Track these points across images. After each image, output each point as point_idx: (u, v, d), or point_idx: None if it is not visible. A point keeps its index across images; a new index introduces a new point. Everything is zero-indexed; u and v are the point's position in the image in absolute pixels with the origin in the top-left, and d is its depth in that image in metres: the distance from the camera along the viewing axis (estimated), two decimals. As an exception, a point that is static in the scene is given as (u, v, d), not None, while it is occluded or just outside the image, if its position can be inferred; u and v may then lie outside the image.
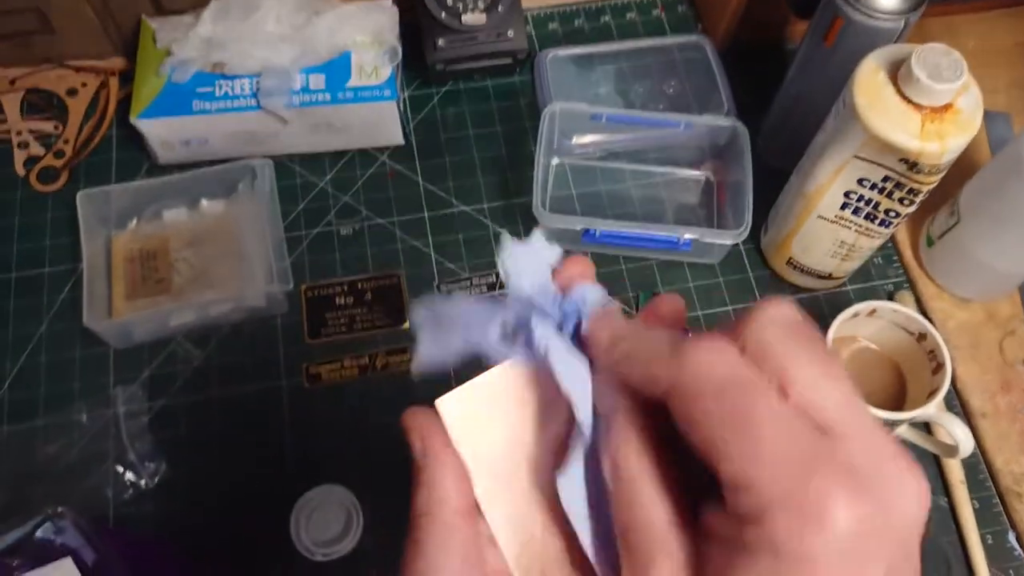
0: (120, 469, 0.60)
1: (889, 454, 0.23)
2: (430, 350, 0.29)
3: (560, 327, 0.29)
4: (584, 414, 0.27)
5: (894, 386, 0.61)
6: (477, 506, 0.28)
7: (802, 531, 0.21)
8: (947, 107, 0.51)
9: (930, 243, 0.68)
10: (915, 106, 0.51)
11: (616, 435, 0.26)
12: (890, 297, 0.69)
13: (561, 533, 0.29)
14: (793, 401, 0.23)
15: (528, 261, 0.30)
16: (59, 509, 0.43)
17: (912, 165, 0.52)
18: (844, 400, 0.23)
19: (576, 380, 0.28)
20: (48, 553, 0.42)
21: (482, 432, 0.29)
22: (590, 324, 0.28)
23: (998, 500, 0.62)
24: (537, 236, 0.30)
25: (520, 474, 0.29)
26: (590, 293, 0.29)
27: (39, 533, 0.43)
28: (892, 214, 0.58)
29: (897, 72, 0.51)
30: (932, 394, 0.56)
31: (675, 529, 0.24)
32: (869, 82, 0.52)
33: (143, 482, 0.60)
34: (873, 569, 0.21)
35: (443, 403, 0.29)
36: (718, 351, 0.23)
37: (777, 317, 0.25)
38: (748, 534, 0.21)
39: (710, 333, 0.25)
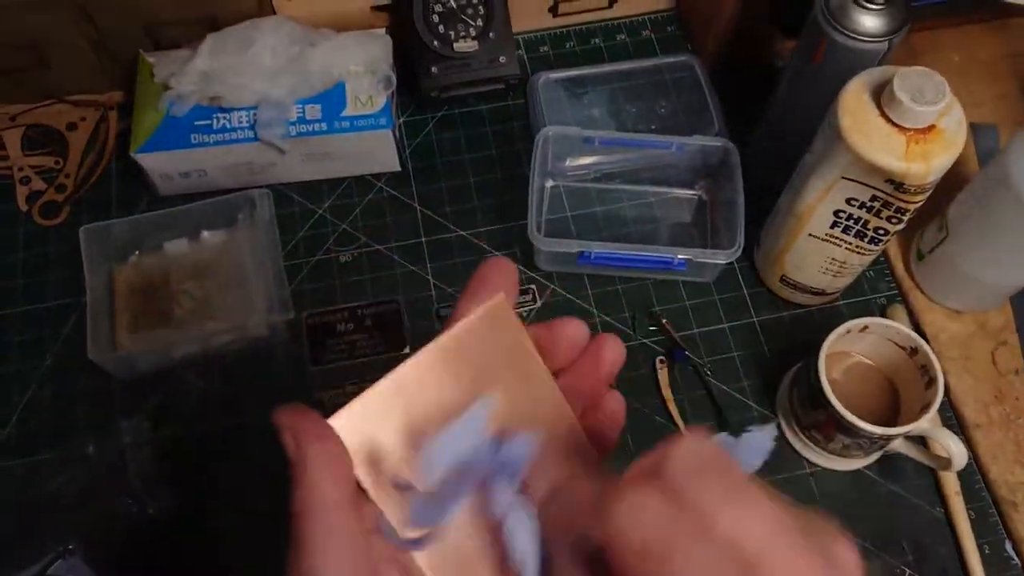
0: (127, 501, 0.61)
1: (818, 571, 0.24)
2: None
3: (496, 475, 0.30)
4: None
5: (888, 400, 0.62)
6: (357, 495, 0.28)
7: None
8: (931, 128, 0.52)
9: (920, 257, 0.69)
10: (899, 128, 0.52)
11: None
12: (882, 311, 0.70)
13: (476, 532, 0.30)
14: (718, 544, 0.23)
15: (455, 441, 0.30)
16: (70, 546, 0.44)
17: (898, 185, 0.53)
18: (768, 531, 0.24)
19: (526, 542, 0.29)
20: (60, 590, 0.43)
21: (380, 440, 0.29)
22: (527, 481, 0.30)
23: (994, 510, 0.63)
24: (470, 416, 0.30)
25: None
26: (525, 446, 0.30)
27: (51, 570, 0.43)
28: (881, 232, 0.59)
29: (881, 95, 0.52)
30: (925, 408, 0.57)
31: None
32: (854, 104, 0.53)
33: (150, 512, 0.61)
34: None
35: (336, 420, 0.28)
36: (639, 508, 0.24)
37: (691, 454, 0.25)
38: None
39: (630, 476, 0.26)
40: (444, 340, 0.31)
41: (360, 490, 0.28)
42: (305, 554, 0.26)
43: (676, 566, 0.23)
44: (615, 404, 0.34)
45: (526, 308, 0.69)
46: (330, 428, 0.28)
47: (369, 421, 0.29)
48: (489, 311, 0.32)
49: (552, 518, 0.29)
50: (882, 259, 0.72)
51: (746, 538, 0.23)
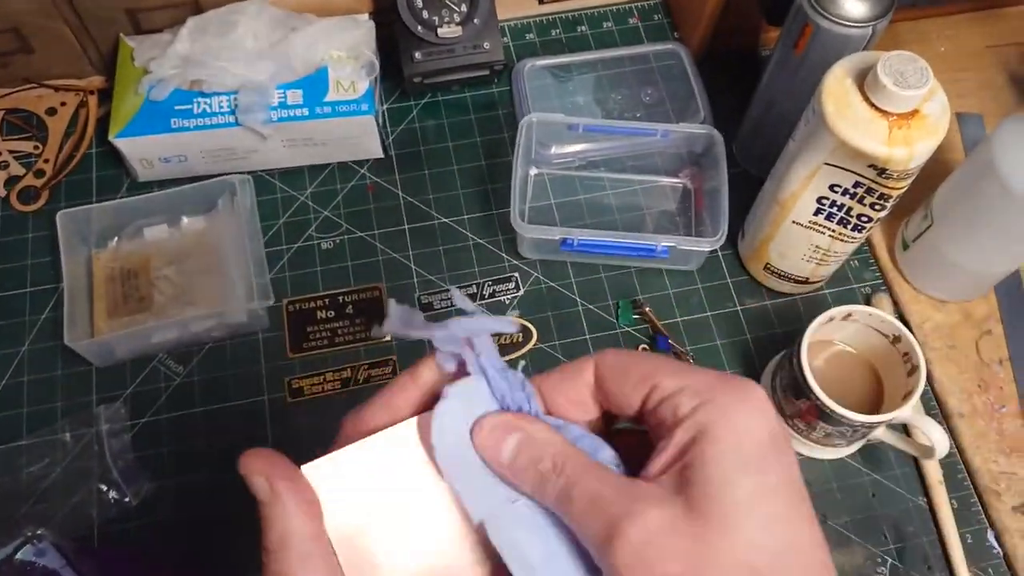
0: (104, 487, 0.60)
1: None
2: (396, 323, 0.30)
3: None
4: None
5: (871, 388, 0.62)
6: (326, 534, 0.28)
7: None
8: (913, 113, 0.51)
9: (905, 246, 0.69)
10: (882, 113, 0.51)
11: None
12: (867, 300, 0.70)
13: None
14: None
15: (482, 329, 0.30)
16: (39, 531, 0.43)
17: (881, 171, 0.53)
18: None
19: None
20: (29, 575, 0.43)
21: (352, 501, 0.29)
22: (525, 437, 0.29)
23: (976, 499, 0.63)
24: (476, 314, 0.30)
25: (391, 547, 0.29)
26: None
27: (19, 555, 0.43)
28: (864, 219, 0.58)
29: (864, 80, 0.52)
30: (907, 396, 0.57)
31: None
32: (837, 90, 0.53)
33: (127, 500, 0.60)
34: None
35: (310, 468, 0.29)
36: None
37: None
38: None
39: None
40: (415, 421, 0.30)
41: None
42: None
43: None
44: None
45: (508, 296, 0.69)
46: (298, 470, 0.28)
47: (337, 479, 0.29)
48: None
49: (546, 495, 0.28)
50: (867, 248, 0.72)
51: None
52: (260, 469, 0.27)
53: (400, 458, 0.30)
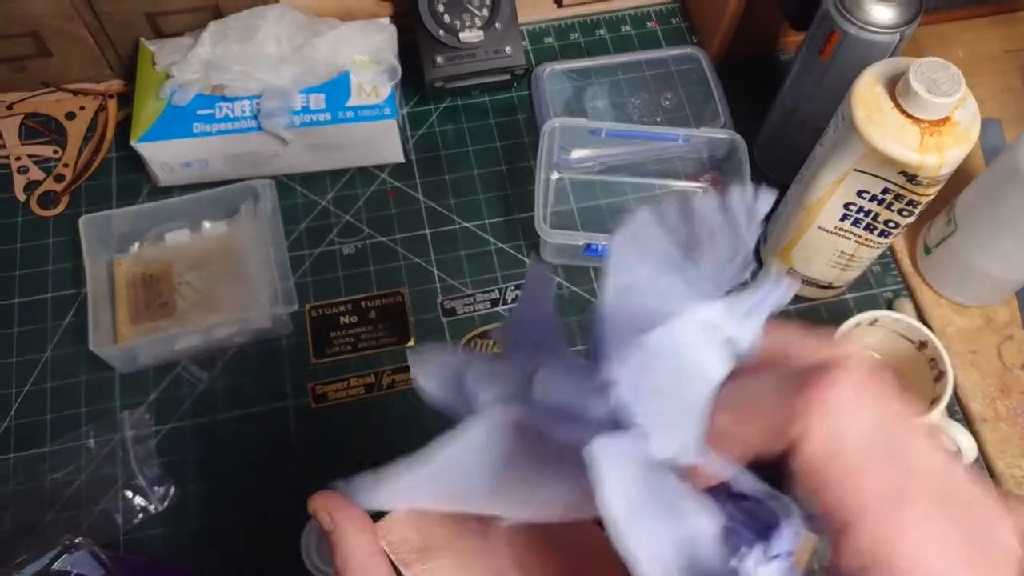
0: (129, 493, 0.60)
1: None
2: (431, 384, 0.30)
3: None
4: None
5: (897, 394, 0.62)
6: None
7: None
8: (945, 120, 0.51)
9: (927, 251, 0.69)
10: (913, 119, 0.51)
11: None
12: (889, 305, 0.70)
13: None
14: (903, 476, 0.24)
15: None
16: (76, 540, 0.43)
17: (911, 177, 0.53)
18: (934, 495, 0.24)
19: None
20: (66, 584, 0.42)
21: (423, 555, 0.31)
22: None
23: (1001, 504, 0.63)
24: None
25: None
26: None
27: (56, 564, 0.43)
28: (891, 224, 0.58)
29: (895, 86, 0.52)
30: (934, 402, 0.57)
31: None
32: (868, 96, 0.53)
33: (152, 506, 0.60)
34: None
35: (384, 526, 0.31)
36: (858, 407, 0.24)
37: (870, 372, 0.25)
38: None
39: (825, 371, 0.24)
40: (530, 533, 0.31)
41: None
42: None
43: (866, 486, 0.23)
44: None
45: (532, 301, 0.69)
46: (351, 500, 0.32)
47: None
48: None
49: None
50: (888, 253, 0.72)
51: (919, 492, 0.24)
52: (324, 507, 0.31)
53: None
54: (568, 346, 0.30)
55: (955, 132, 0.52)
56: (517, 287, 0.70)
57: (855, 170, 0.55)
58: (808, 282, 0.67)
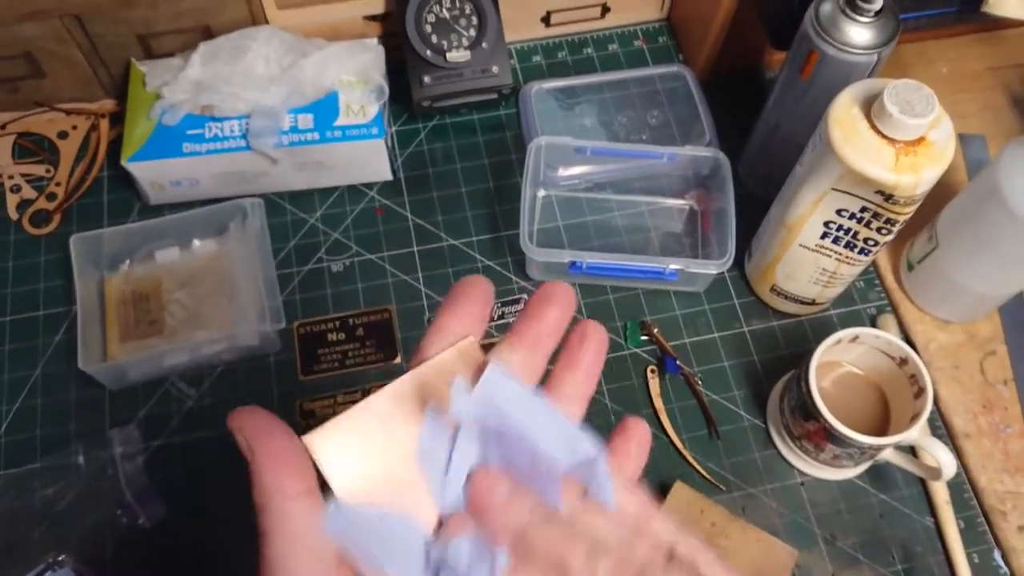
0: (118, 511, 0.61)
1: None
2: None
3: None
4: None
5: (878, 410, 0.63)
6: (317, 489, 0.28)
7: None
8: (920, 140, 0.52)
9: (910, 268, 0.70)
10: (889, 140, 0.52)
11: None
12: (872, 321, 0.70)
13: None
14: None
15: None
16: (60, 557, 0.43)
17: (888, 197, 0.54)
18: None
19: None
20: (50, 602, 0.43)
21: (355, 463, 0.29)
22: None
23: (983, 519, 0.63)
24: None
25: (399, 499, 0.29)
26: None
27: (40, 582, 0.43)
28: (871, 242, 0.59)
29: (871, 107, 0.53)
30: (915, 418, 0.57)
31: None
32: (844, 117, 0.54)
33: (141, 523, 0.61)
34: None
35: (312, 439, 0.28)
36: None
37: None
38: None
39: None
40: (411, 376, 0.31)
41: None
42: (268, 543, 0.27)
43: None
44: (642, 430, 0.33)
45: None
46: (280, 424, 0.28)
47: (338, 443, 0.29)
48: (459, 351, 0.32)
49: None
50: (872, 269, 0.73)
51: None
52: (240, 426, 0.27)
53: (398, 415, 0.30)
54: None
55: (930, 152, 0.52)
56: (505, 304, 0.70)
57: (833, 189, 0.56)
58: (792, 298, 0.68)
